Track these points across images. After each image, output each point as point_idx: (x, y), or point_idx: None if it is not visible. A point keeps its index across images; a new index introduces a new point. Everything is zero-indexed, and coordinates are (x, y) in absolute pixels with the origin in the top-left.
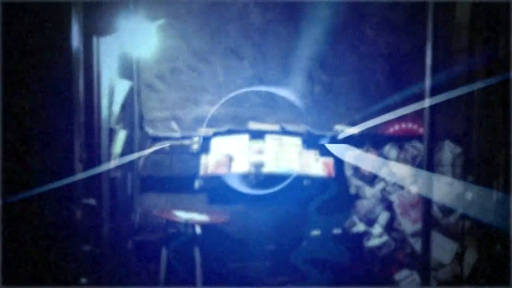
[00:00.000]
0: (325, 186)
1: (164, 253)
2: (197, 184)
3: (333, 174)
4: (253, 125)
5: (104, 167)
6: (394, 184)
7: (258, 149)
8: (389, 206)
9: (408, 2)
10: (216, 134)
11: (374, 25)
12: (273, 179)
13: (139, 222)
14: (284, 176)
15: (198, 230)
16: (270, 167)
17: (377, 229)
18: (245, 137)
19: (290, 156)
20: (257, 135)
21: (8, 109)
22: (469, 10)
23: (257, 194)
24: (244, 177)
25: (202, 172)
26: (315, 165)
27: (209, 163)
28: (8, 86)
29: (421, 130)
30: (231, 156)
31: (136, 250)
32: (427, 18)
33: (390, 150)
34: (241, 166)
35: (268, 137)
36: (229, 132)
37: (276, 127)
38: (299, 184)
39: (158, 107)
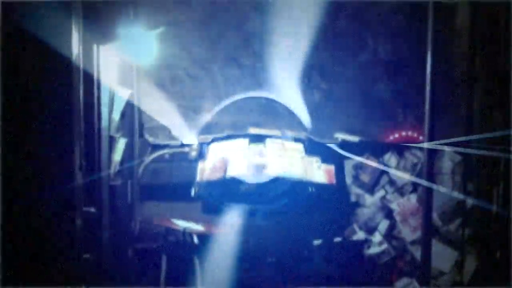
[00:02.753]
0: (327, 193)
1: (164, 260)
2: (193, 191)
3: (334, 181)
4: (253, 131)
5: (104, 175)
6: (394, 192)
7: (258, 151)
8: (389, 214)
9: (408, 9)
10: (214, 139)
11: (373, 32)
12: (273, 185)
13: (139, 230)
14: (285, 182)
15: (195, 239)
16: (273, 170)
17: (377, 237)
18: (245, 141)
19: (292, 161)
20: (258, 139)
21: (8, 116)
22: (469, 15)
23: (258, 202)
24: (242, 183)
25: (198, 178)
26: (318, 172)
27: (205, 169)
28: (8, 93)
29: (421, 138)
30: (228, 159)
31: (136, 257)
32: (427, 25)
33: (390, 158)
34: (239, 169)
35: (269, 141)
36: (228, 137)
37: (277, 133)
38: (303, 191)
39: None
